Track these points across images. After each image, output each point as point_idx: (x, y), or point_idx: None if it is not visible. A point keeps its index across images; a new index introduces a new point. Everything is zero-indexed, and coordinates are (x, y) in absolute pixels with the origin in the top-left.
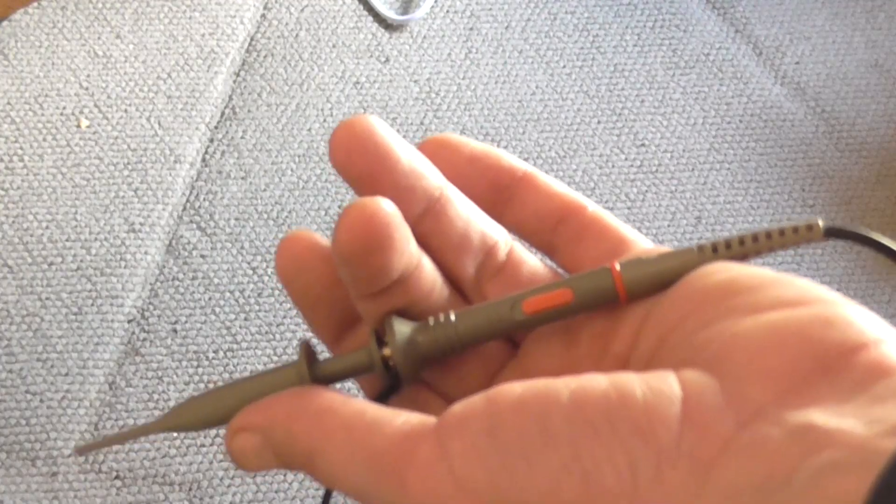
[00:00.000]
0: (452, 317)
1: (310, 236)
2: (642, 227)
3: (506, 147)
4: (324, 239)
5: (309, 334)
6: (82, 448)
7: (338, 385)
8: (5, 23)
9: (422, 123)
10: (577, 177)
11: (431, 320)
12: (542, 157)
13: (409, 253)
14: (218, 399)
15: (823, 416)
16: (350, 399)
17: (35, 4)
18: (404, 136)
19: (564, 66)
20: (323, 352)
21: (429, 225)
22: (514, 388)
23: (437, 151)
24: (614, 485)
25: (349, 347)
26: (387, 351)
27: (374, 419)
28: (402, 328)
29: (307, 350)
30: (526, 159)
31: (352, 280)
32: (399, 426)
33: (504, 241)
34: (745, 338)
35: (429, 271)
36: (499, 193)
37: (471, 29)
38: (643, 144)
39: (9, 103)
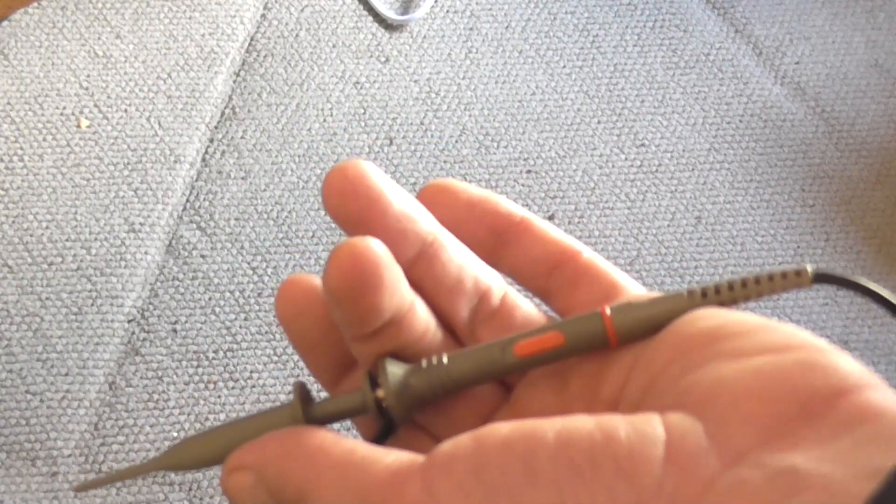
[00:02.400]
0: (445, 359)
1: (309, 280)
2: (642, 226)
3: (506, 147)
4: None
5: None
6: (80, 486)
7: (336, 426)
8: (5, 23)
9: (422, 123)
10: (577, 177)
11: (424, 362)
12: (542, 157)
13: (401, 293)
14: (214, 439)
15: (804, 460)
16: (342, 438)
17: (35, 4)
18: (404, 136)
19: (564, 66)
20: (321, 392)
21: (422, 269)
22: (501, 429)
23: (435, 196)
24: None
25: (346, 390)
26: (380, 393)
27: (364, 458)
28: (396, 370)
29: (302, 391)
30: (526, 159)
31: (344, 321)
32: (388, 464)
33: (498, 285)
34: (729, 382)
35: (422, 314)
36: (496, 238)
37: (471, 29)
38: (643, 144)
39: (9, 103)
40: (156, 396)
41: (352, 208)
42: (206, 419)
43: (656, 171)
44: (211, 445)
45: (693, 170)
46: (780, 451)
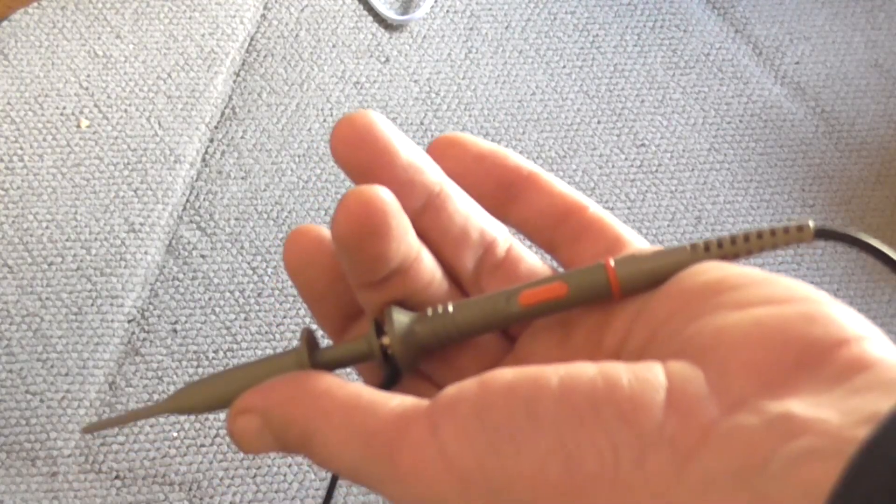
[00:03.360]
0: (450, 308)
1: (317, 231)
2: (642, 226)
3: (506, 147)
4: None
5: (313, 326)
6: (89, 427)
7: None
8: (5, 23)
9: (422, 123)
10: (577, 177)
11: (430, 311)
12: (542, 157)
13: (408, 242)
14: (220, 382)
15: (801, 406)
16: (347, 383)
17: (35, 4)
18: None
19: (564, 66)
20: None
21: (428, 219)
22: (505, 373)
23: (445, 150)
24: (596, 469)
25: (351, 338)
26: (385, 340)
27: (369, 401)
28: (401, 318)
29: (308, 337)
30: (526, 159)
31: (351, 268)
32: (393, 407)
33: (503, 237)
34: (730, 331)
35: (428, 263)
36: (504, 191)
37: (471, 29)
38: (643, 144)
39: (9, 103)
40: (156, 396)
41: (360, 157)
42: (206, 419)
43: (656, 171)
44: (217, 389)
45: (693, 170)
46: (777, 398)
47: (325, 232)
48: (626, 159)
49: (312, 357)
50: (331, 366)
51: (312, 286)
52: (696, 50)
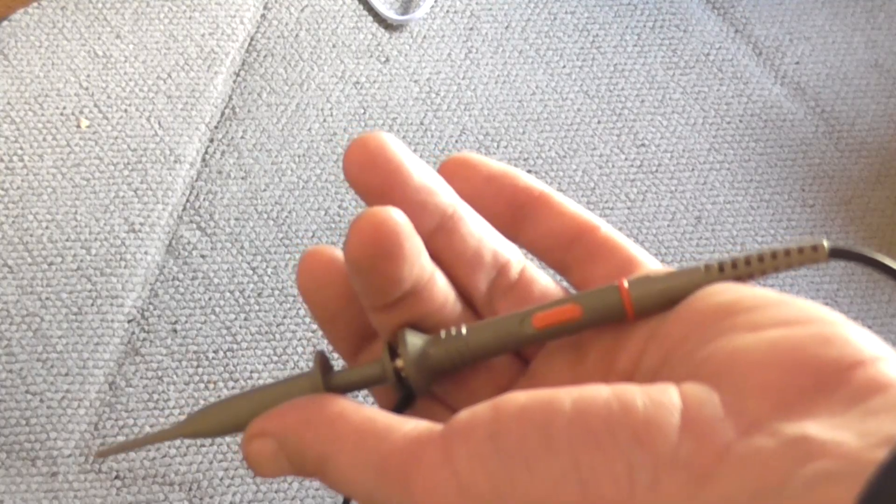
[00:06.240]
0: (464, 330)
1: (329, 252)
2: (642, 226)
3: (506, 147)
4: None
5: (314, 341)
6: (102, 452)
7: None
8: (5, 23)
9: (422, 123)
10: (577, 177)
11: (443, 333)
12: (542, 157)
13: (421, 264)
14: (235, 406)
15: (818, 429)
16: (361, 406)
17: (35, 4)
18: (404, 136)
19: (564, 66)
20: (339, 363)
21: (441, 241)
22: (518, 397)
23: (456, 170)
24: (611, 492)
25: (365, 360)
26: (399, 363)
27: (384, 425)
28: (415, 341)
29: (322, 360)
30: (526, 159)
31: (364, 290)
32: (407, 432)
33: (517, 259)
34: (745, 353)
35: (441, 285)
36: (515, 212)
37: (471, 29)
38: (643, 144)
39: (9, 103)
40: (156, 396)
41: (372, 180)
42: None
43: (656, 171)
44: (231, 413)
45: (693, 170)
46: (794, 420)
47: (338, 253)
48: (626, 159)
49: (326, 380)
50: (345, 389)
51: (326, 308)
52: (696, 50)
